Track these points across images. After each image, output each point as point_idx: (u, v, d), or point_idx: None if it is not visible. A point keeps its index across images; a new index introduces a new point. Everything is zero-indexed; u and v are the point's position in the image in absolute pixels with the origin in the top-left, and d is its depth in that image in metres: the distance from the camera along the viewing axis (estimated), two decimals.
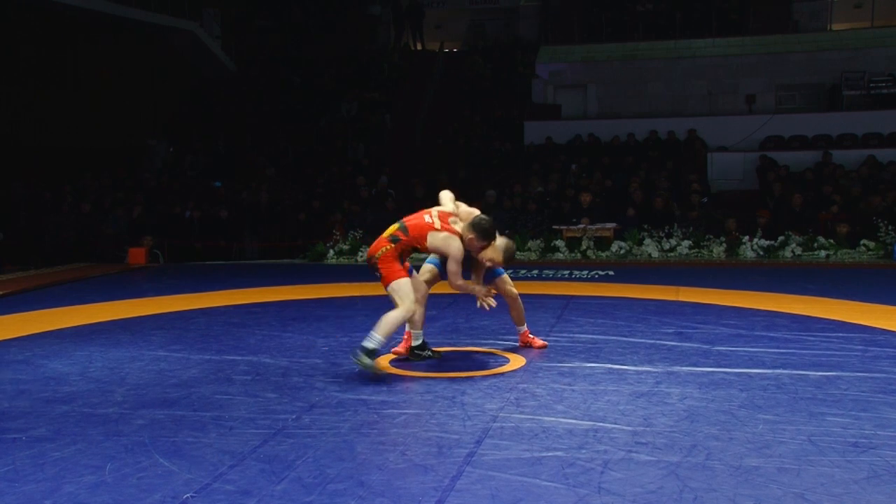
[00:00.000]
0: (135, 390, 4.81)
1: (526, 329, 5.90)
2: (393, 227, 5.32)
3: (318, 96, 19.54)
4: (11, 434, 3.98)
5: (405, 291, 5.12)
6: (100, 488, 3.26)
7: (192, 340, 6.32)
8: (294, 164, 17.07)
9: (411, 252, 5.34)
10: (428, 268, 5.68)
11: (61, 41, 16.51)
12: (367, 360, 4.94)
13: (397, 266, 5.19)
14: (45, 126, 15.85)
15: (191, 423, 4.11)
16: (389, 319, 5.02)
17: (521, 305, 5.82)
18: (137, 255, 12.57)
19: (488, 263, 5.44)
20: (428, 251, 5.38)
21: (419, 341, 5.55)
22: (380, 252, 5.22)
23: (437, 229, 5.23)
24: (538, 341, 5.86)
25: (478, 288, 5.45)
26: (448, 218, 5.34)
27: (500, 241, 5.45)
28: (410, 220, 5.35)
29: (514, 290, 5.76)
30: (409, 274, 5.29)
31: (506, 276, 5.73)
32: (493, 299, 5.46)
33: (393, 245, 5.22)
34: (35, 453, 3.69)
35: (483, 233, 5.22)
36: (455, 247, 5.20)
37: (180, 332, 6.74)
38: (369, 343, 4.94)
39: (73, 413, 4.34)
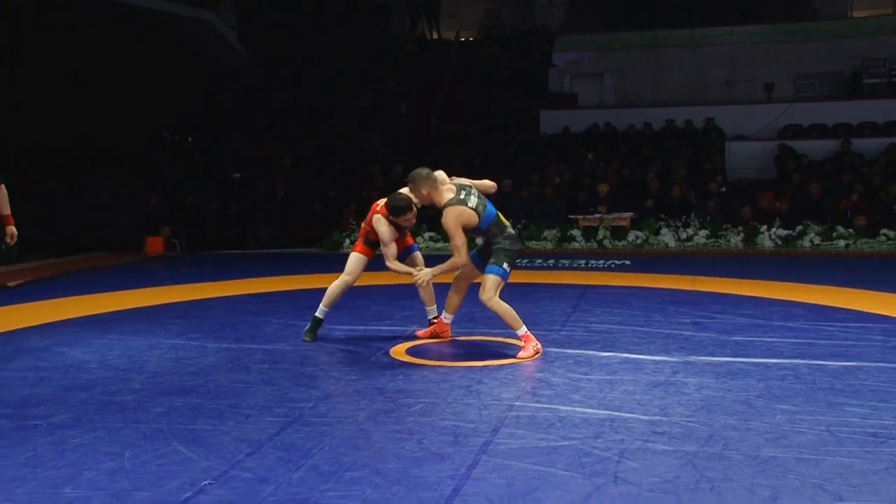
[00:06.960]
0: (153, 378, 4.85)
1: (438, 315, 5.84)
2: None
3: (333, 86, 19.52)
4: (32, 421, 4.03)
5: (347, 263, 5.65)
6: (119, 474, 3.30)
7: (209, 329, 6.36)
8: (310, 154, 17.09)
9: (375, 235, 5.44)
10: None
11: (75, 33, 16.53)
12: (308, 329, 5.71)
13: (359, 242, 5.69)
14: (57, 121, 15.87)
15: (208, 411, 4.14)
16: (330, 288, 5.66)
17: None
18: (155, 245, 12.67)
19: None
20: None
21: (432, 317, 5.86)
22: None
23: (378, 212, 5.37)
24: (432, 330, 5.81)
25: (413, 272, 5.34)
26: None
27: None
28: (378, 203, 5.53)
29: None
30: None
31: (418, 254, 5.70)
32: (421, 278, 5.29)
33: (363, 225, 5.61)
34: (55, 440, 3.73)
35: (395, 210, 5.22)
36: (381, 230, 5.29)
37: (198, 320, 6.78)
38: (317, 313, 5.69)
39: (92, 400, 4.38)
